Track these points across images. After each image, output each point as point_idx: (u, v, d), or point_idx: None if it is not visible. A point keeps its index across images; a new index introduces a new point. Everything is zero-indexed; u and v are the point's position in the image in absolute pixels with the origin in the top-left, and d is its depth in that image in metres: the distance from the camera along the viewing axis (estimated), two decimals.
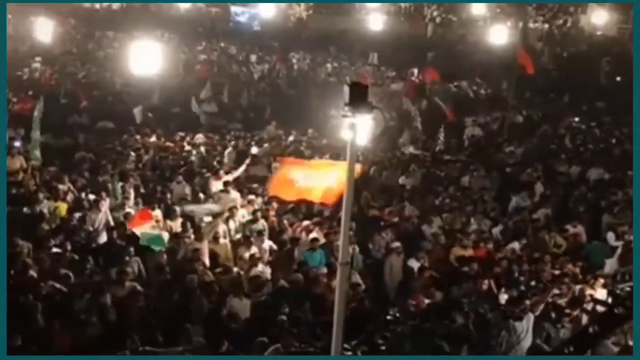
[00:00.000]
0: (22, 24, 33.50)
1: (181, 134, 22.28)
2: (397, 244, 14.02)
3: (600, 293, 11.87)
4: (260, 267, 12.92)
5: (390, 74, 32.89)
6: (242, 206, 15.53)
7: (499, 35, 33.70)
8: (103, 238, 13.98)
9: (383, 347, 10.10)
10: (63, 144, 20.32)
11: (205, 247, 13.46)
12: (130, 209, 15.14)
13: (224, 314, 11.12)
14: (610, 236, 15.00)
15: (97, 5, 44.47)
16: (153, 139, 21.52)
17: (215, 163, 19.27)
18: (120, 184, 16.12)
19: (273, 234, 14.76)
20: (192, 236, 13.83)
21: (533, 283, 12.54)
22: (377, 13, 39.87)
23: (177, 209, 14.93)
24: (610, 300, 11.25)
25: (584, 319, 11.24)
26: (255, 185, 17.33)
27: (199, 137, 22.22)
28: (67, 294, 11.02)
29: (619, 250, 13.74)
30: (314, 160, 16.37)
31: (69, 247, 12.68)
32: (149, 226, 13.60)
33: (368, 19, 39.58)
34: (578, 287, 12.19)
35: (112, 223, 14.37)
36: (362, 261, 13.66)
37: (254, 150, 20.67)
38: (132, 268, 12.20)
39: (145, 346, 9.76)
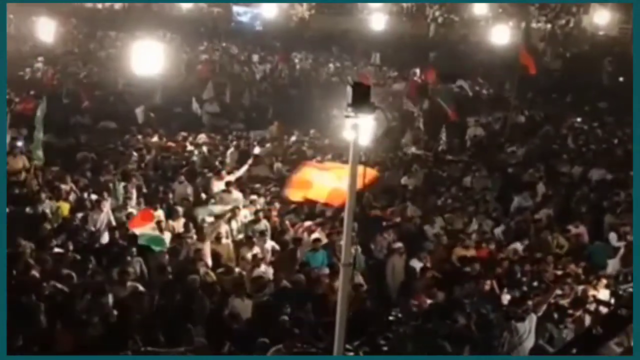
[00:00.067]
0: (24, 24, 33.45)
1: (183, 134, 22.26)
2: (399, 244, 13.99)
3: (603, 294, 11.88)
4: (262, 267, 12.89)
5: (392, 74, 32.88)
6: (244, 206, 15.49)
7: (501, 35, 33.67)
8: (105, 238, 13.95)
9: (385, 348, 10.11)
10: (65, 144, 20.26)
11: (207, 247, 13.44)
12: (132, 209, 15.11)
13: (226, 314, 11.10)
14: (613, 237, 14.96)
15: (99, 5, 44.45)
16: (155, 139, 21.49)
17: (217, 163, 19.25)
18: (123, 184, 16.11)
19: (275, 234, 14.71)
20: (195, 236, 13.81)
21: (535, 283, 12.53)
22: (379, 13, 39.79)
23: (179, 209, 14.91)
24: (612, 300, 11.30)
25: (587, 319, 11.25)
26: (257, 186, 17.33)
27: (201, 137, 22.21)
28: (69, 294, 11.00)
29: (621, 251, 13.74)
30: (328, 162, 16.34)
31: (71, 247, 12.64)
32: (150, 227, 13.59)
33: (370, 19, 39.49)
34: (580, 287, 12.17)
35: (114, 223, 14.34)
36: (364, 262, 13.61)
37: (256, 150, 20.67)
38: (134, 268, 12.17)
39: (147, 346, 9.75)
